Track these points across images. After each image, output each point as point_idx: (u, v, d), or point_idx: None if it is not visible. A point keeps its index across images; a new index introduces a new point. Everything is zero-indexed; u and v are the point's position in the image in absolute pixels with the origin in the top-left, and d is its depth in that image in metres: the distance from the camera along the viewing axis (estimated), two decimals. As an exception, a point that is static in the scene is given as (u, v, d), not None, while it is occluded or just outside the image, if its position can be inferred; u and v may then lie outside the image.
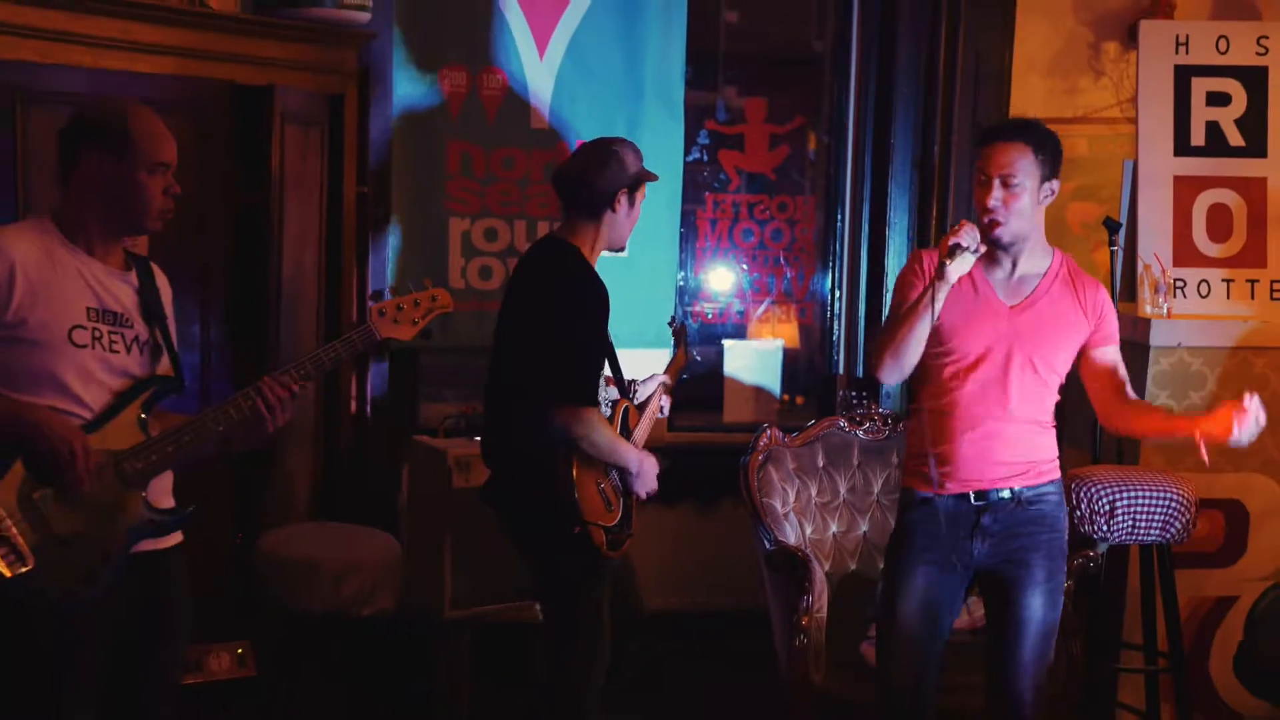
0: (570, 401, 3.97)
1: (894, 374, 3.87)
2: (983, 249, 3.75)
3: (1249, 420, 3.63)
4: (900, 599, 3.91)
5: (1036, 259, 3.90)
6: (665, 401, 4.57)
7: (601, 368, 4.16)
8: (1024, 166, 3.77)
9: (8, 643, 3.09)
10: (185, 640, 3.50)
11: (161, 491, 3.27)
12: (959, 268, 3.64)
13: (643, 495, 4.14)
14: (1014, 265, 3.86)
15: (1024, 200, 3.78)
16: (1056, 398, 3.94)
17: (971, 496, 3.85)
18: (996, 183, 3.76)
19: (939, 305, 3.71)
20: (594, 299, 4.08)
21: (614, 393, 4.35)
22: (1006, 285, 3.87)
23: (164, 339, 3.30)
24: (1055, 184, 3.90)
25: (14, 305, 3.03)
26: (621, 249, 4.30)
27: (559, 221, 5.59)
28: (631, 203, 4.21)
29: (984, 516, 3.83)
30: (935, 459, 3.86)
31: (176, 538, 3.32)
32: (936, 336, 3.81)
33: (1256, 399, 3.67)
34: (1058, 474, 3.93)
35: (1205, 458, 3.68)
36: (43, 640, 3.07)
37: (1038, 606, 3.86)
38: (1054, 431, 3.94)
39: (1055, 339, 3.88)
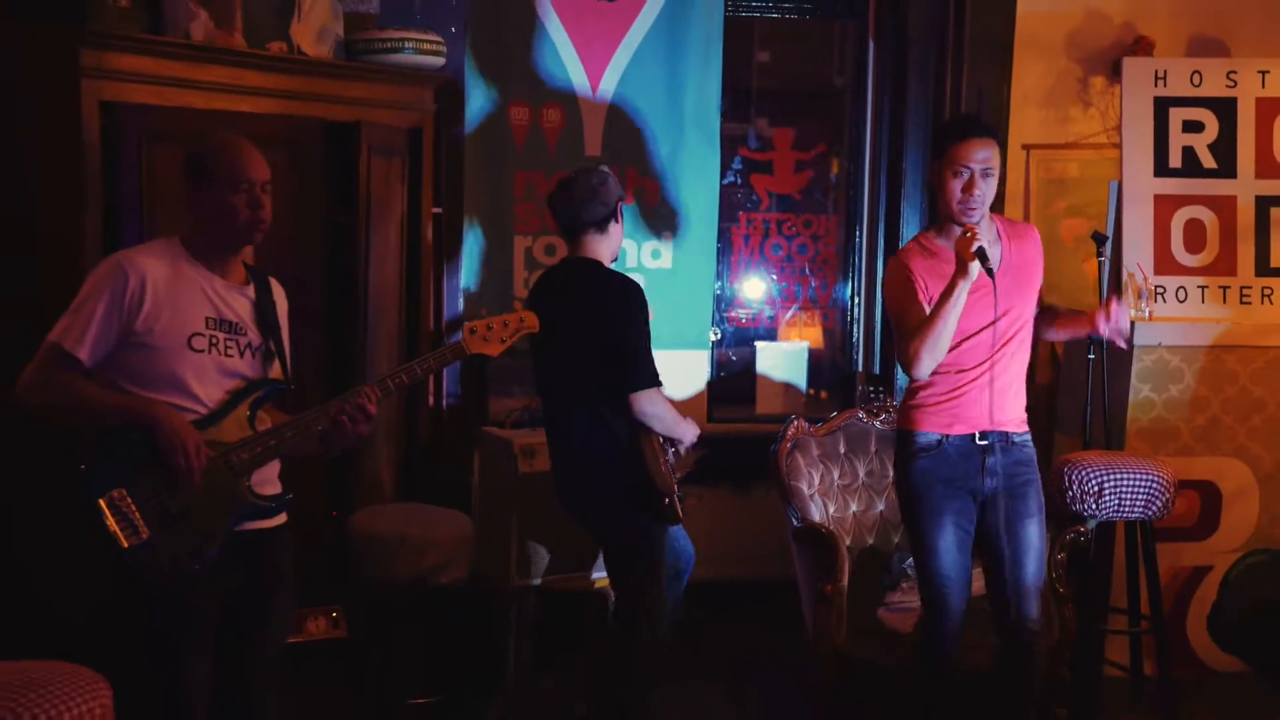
0: (645, 385, 4.05)
1: (930, 367, 3.89)
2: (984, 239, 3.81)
3: (1116, 313, 3.89)
4: (939, 539, 3.95)
5: (989, 230, 3.95)
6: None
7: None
8: (994, 161, 3.86)
9: (126, 607, 3.16)
10: (289, 607, 3.54)
11: (267, 479, 3.31)
12: (982, 263, 3.71)
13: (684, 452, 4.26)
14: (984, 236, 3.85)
15: (992, 191, 3.88)
16: (1028, 355, 4.04)
17: (976, 437, 3.93)
18: (977, 175, 3.80)
19: (964, 300, 3.76)
20: (639, 296, 4.17)
21: None
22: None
23: (276, 346, 3.33)
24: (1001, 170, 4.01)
25: (143, 315, 3.09)
26: (615, 258, 4.37)
27: None
28: (622, 215, 4.32)
29: (988, 456, 3.92)
30: (950, 407, 3.95)
31: (282, 518, 3.35)
32: None
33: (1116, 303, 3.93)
34: (1028, 424, 4.04)
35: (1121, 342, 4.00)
36: (155, 606, 3.12)
37: (1034, 534, 3.95)
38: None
39: (1026, 289, 3.97)
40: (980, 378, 3.94)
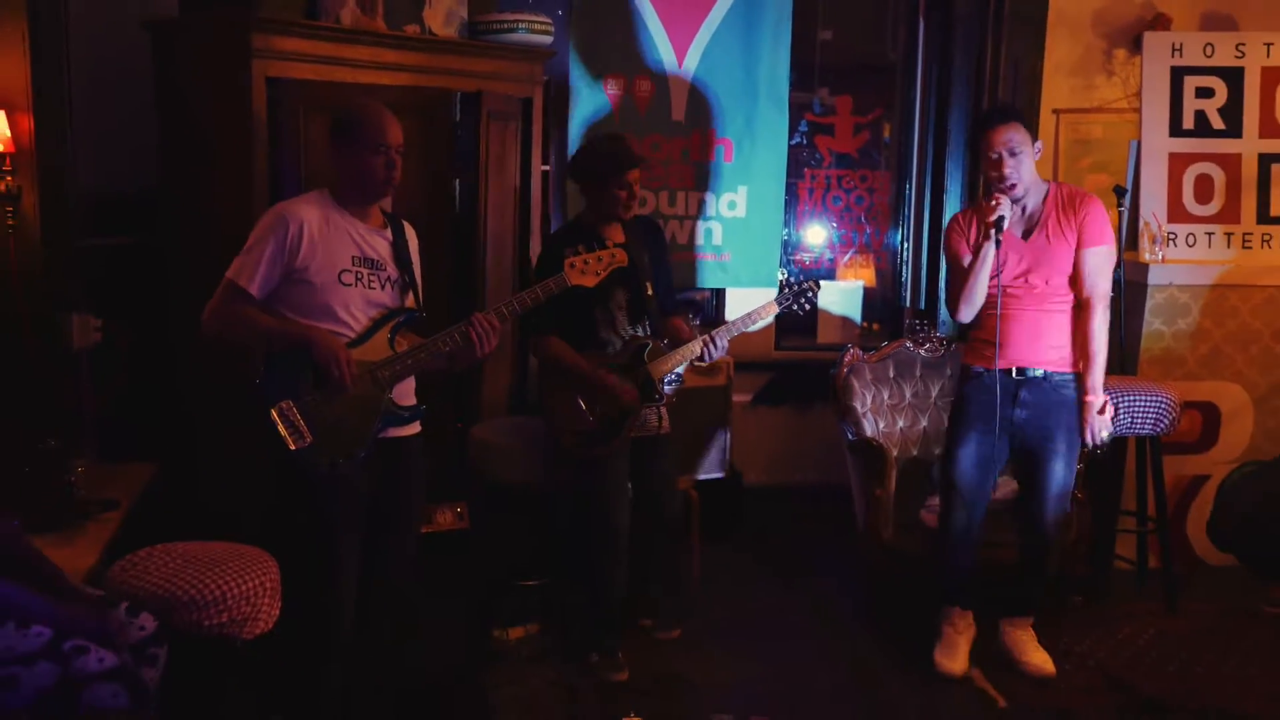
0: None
1: (969, 314, 4.01)
2: (1015, 210, 3.86)
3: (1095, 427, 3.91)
4: (959, 451, 4.04)
5: (1035, 196, 3.95)
6: (724, 343, 4.18)
7: None
8: (1018, 139, 3.85)
9: (292, 496, 3.25)
10: (421, 500, 3.60)
11: (405, 392, 3.35)
12: (1000, 231, 3.78)
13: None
14: (1024, 208, 3.94)
15: (1026, 162, 3.85)
16: (1072, 299, 3.95)
17: (1014, 371, 3.95)
18: (1005, 155, 3.83)
19: (991, 262, 3.83)
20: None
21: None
22: (1019, 222, 3.95)
23: (410, 279, 3.36)
24: (1039, 144, 3.95)
25: (301, 255, 3.15)
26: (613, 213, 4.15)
27: (691, 193, 5.59)
28: (604, 182, 4.10)
29: (1022, 390, 3.95)
30: (989, 344, 3.97)
31: (416, 427, 3.39)
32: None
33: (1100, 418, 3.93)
34: (1077, 366, 3.97)
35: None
36: (318, 496, 3.21)
37: (1059, 472, 3.99)
38: (1070, 331, 3.96)
39: (1061, 256, 3.92)
40: (1016, 322, 3.96)
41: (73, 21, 4.12)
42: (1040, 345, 3.96)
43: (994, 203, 3.83)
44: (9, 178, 3.67)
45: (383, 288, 3.30)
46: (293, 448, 3.11)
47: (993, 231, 3.79)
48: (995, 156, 3.85)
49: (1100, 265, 3.95)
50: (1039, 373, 3.96)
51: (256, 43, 3.97)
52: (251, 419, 3.14)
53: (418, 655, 3.84)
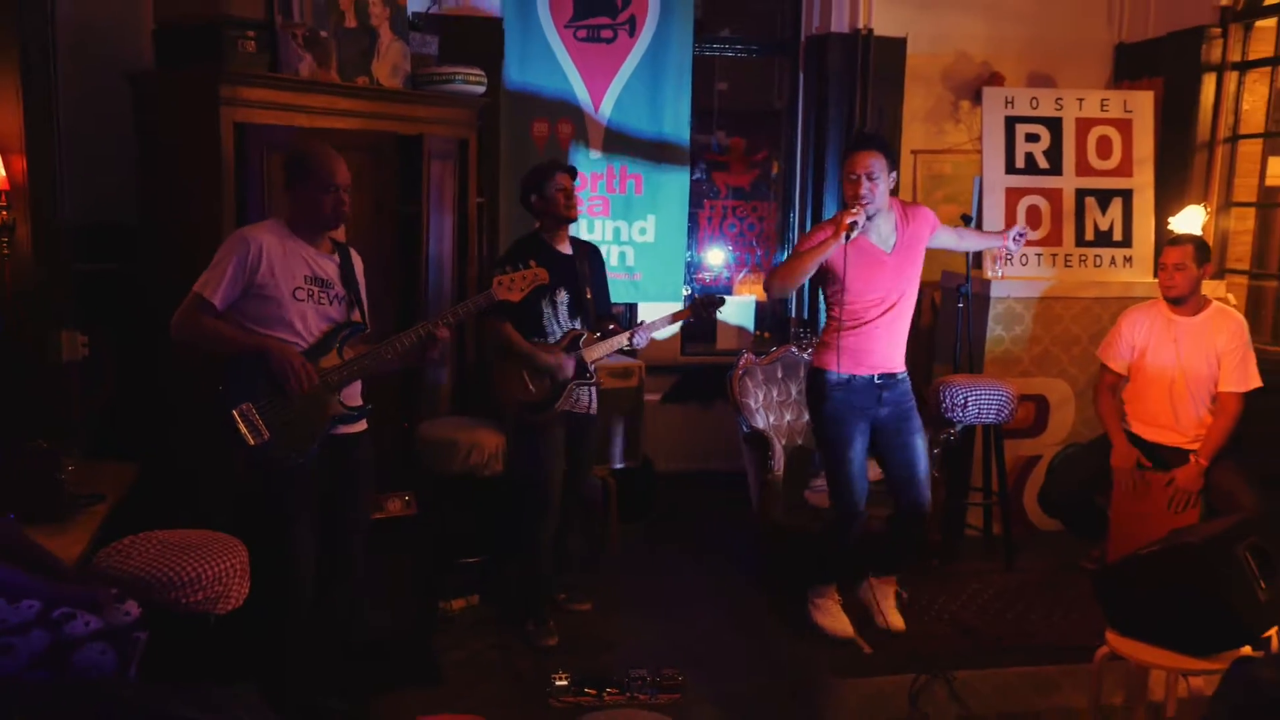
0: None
1: (782, 294, 3.95)
2: (866, 224, 3.80)
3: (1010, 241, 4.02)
4: (850, 452, 3.93)
5: (887, 219, 3.90)
6: (646, 336, 4.26)
7: None
8: (878, 166, 3.77)
9: (253, 487, 3.23)
10: (371, 488, 3.56)
11: (353, 394, 3.35)
12: (851, 236, 3.73)
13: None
14: (878, 227, 3.86)
15: (881, 187, 3.79)
16: (911, 314, 3.98)
17: (875, 377, 3.92)
18: (864, 177, 3.76)
19: (827, 256, 3.75)
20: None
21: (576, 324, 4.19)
22: (881, 240, 3.88)
23: (356, 298, 3.35)
24: (896, 174, 3.91)
25: (260, 272, 3.13)
26: (552, 229, 4.18)
27: (608, 221, 5.61)
28: (543, 201, 4.14)
29: (883, 391, 3.94)
30: (857, 355, 3.90)
31: (364, 425, 3.38)
32: (848, 285, 3.84)
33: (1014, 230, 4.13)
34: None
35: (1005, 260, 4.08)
36: (275, 488, 3.21)
37: (919, 443, 3.99)
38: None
39: (915, 264, 3.93)
40: (877, 331, 3.93)
41: (61, 73, 4.10)
42: (896, 351, 3.97)
43: (854, 209, 3.77)
44: (4, 211, 3.64)
45: (331, 304, 3.29)
46: (252, 443, 3.10)
47: (844, 234, 3.71)
48: (855, 178, 3.79)
49: (951, 232, 4.15)
50: (896, 375, 3.98)
51: (224, 93, 3.91)
52: (220, 422, 3.12)
53: (373, 624, 3.83)
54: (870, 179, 3.80)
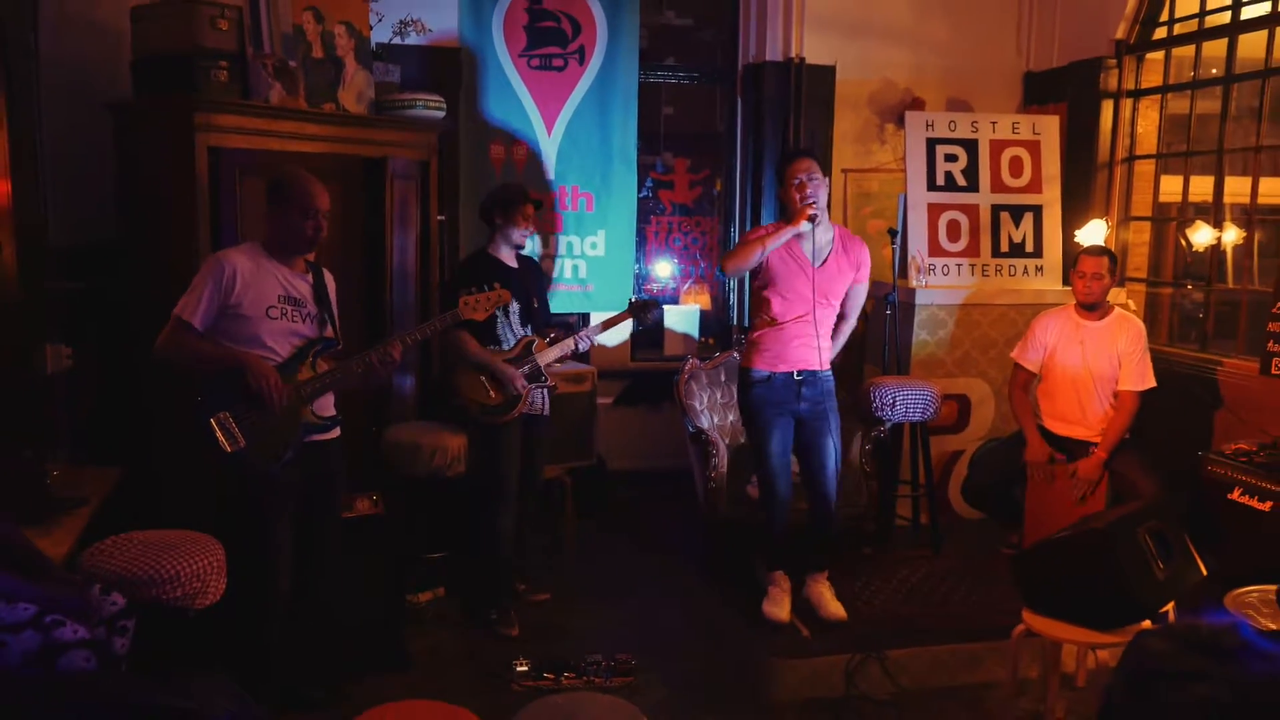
0: None
1: (736, 274, 4.13)
2: (810, 228, 3.83)
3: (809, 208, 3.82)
4: (770, 443, 3.94)
5: (825, 232, 3.93)
6: (590, 339, 4.35)
7: None
8: (816, 170, 3.89)
9: (231, 491, 3.22)
10: (342, 491, 3.58)
11: (325, 405, 3.35)
12: (813, 225, 3.78)
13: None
14: (814, 239, 3.87)
15: (822, 191, 3.87)
16: (833, 320, 4.00)
17: (795, 374, 3.93)
18: (806, 179, 3.84)
19: (782, 243, 3.81)
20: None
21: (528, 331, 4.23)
22: (811, 251, 3.88)
23: (328, 315, 3.35)
24: (828, 180, 4.00)
25: (235, 292, 3.12)
26: (513, 247, 4.24)
27: (561, 236, 5.61)
28: (503, 221, 4.18)
29: (803, 387, 3.94)
30: (776, 353, 3.93)
31: (336, 433, 3.38)
32: (773, 284, 3.89)
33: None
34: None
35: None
36: (250, 488, 3.21)
37: (831, 445, 3.97)
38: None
39: (839, 284, 3.95)
40: (794, 331, 3.94)
41: (44, 102, 4.05)
42: (814, 354, 3.96)
43: (809, 205, 3.83)
44: (-9, 234, 3.59)
45: (304, 321, 3.28)
46: (229, 450, 3.10)
47: (805, 220, 3.78)
48: (798, 180, 3.86)
49: (861, 294, 4.08)
50: (818, 373, 3.98)
51: (199, 119, 3.88)
52: (198, 429, 3.11)
53: (346, 617, 3.79)
54: (811, 179, 3.87)
